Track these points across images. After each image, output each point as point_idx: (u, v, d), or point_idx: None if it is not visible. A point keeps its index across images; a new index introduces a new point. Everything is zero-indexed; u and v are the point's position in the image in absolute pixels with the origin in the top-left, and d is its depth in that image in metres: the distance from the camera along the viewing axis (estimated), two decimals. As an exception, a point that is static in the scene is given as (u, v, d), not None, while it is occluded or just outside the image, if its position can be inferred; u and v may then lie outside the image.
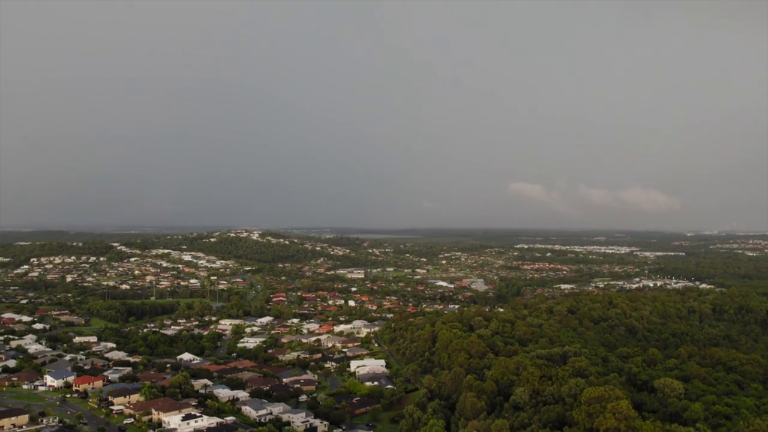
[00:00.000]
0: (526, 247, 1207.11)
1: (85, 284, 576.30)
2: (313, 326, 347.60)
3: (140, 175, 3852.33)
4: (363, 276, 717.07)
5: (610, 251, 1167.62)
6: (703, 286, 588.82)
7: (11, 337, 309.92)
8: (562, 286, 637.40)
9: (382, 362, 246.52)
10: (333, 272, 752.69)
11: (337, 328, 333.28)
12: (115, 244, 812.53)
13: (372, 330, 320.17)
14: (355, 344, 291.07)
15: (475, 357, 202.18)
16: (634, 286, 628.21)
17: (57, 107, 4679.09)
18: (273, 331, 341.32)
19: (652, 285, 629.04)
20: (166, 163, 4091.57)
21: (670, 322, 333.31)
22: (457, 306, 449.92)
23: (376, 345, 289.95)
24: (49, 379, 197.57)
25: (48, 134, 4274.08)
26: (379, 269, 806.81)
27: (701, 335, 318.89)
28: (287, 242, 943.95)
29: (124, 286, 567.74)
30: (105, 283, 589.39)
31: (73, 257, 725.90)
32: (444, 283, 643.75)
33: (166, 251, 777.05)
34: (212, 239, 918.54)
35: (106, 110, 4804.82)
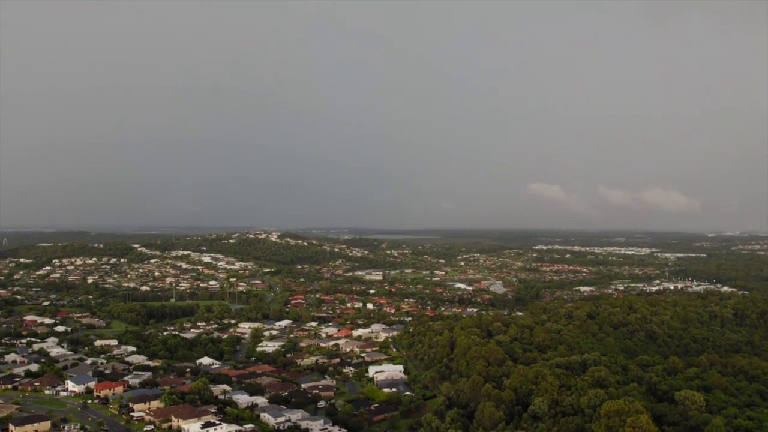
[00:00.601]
0: (545, 248, 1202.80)
1: (106, 285, 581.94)
2: (332, 330, 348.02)
3: (160, 178, 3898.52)
4: (381, 278, 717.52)
5: (630, 252, 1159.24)
6: (725, 289, 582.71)
7: (33, 340, 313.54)
8: (582, 289, 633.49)
9: (401, 368, 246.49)
10: (351, 274, 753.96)
11: (356, 332, 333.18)
12: (135, 246, 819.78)
13: (390, 334, 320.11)
14: (374, 349, 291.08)
15: (494, 364, 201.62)
16: (654, 288, 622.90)
17: (80, 114, 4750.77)
18: (292, 335, 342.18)
19: (672, 288, 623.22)
20: (185, 165, 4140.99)
21: (691, 328, 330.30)
22: (475, 310, 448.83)
23: (394, 350, 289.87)
24: (71, 385, 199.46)
25: (72, 140, 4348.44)
26: (397, 271, 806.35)
27: (723, 341, 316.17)
28: (306, 243, 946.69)
29: (144, 288, 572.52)
30: (125, 284, 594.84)
31: (94, 258, 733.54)
32: (462, 286, 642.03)
33: (185, 252, 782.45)
34: (231, 240, 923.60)
35: (127, 116, 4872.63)
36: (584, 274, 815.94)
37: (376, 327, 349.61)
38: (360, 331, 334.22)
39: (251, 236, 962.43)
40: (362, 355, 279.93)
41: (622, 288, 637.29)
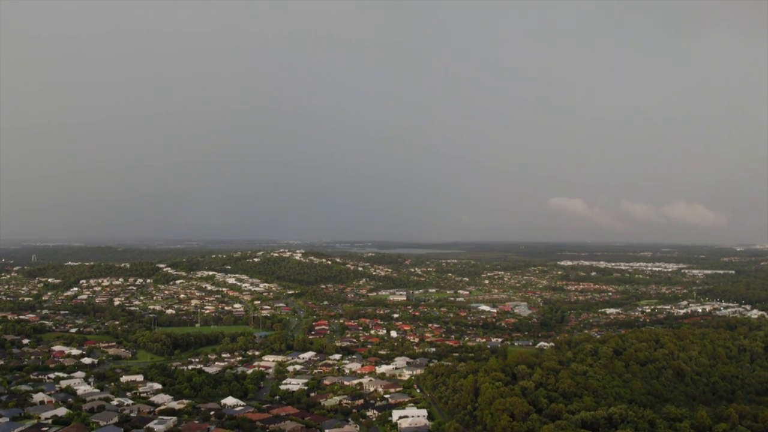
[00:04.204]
0: (570, 264, 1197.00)
1: (132, 308, 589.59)
2: (356, 365, 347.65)
3: (186, 195, 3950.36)
4: (405, 298, 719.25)
5: (657, 269, 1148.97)
6: (754, 312, 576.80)
7: (61, 375, 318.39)
8: (608, 311, 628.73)
9: (425, 412, 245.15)
10: (375, 294, 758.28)
11: (379, 369, 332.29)
12: (161, 266, 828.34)
13: (414, 372, 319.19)
14: (397, 389, 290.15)
15: (518, 419, 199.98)
16: (681, 311, 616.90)
17: (107, 141, 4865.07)
18: (315, 370, 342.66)
19: (700, 310, 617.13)
20: (210, 184, 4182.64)
21: (719, 364, 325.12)
22: (500, 340, 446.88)
23: (418, 390, 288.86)
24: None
25: (103, 162, 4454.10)
26: (421, 291, 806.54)
27: (753, 379, 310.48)
28: (329, 262, 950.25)
29: (169, 311, 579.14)
30: (151, 306, 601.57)
31: (120, 279, 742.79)
32: (487, 308, 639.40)
33: (210, 273, 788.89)
34: (256, 259, 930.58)
35: (154, 141, 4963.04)
36: (610, 293, 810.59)
37: (399, 362, 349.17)
38: (384, 368, 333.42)
39: (275, 255, 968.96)
40: (386, 396, 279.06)
41: (649, 310, 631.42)
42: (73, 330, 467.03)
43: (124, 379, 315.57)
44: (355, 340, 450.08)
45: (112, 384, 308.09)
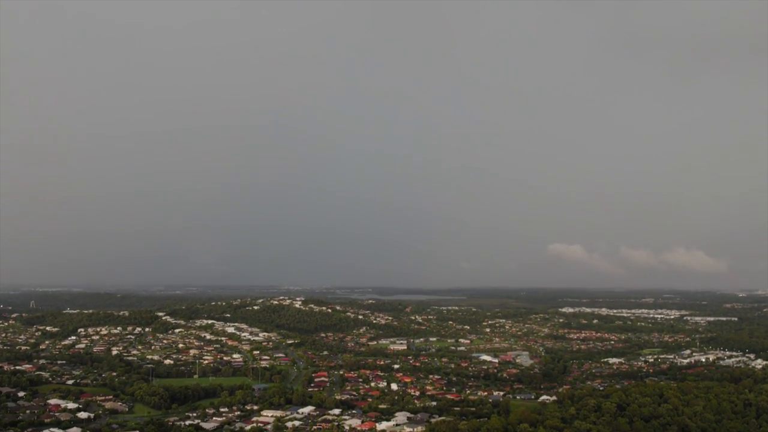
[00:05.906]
0: (571, 311, 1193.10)
1: (130, 358, 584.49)
2: (355, 421, 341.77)
3: (189, 239, 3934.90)
4: (406, 347, 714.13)
5: (659, 316, 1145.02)
6: (759, 362, 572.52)
7: (55, 431, 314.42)
8: (611, 361, 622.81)
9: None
10: (375, 342, 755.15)
11: (379, 426, 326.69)
12: (160, 314, 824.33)
13: (415, 429, 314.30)
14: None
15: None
16: (685, 361, 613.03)
17: (110, 163, 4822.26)
18: (314, 427, 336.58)
19: (704, 360, 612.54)
20: (214, 227, 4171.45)
21: (725, 420, 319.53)
22: (502, 393, 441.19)
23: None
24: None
25: (104, 191, 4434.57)
26: (421, 339, 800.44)
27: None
28: (329, 310, 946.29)
29: (167, 361, 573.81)
30: (149, 356, 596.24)
31: (119, 328, 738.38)
32: (488, 358, 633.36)
33: (209, 322, 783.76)
34: (255, 307, 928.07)
35: (157, 166, 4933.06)
36: (612, 342, 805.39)
37: (400, 417, 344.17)
38: (384, 425, 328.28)
39: (275, 302, 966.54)
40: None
41: (652, 360, 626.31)
42: (70, 381, 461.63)
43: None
44: (355, 393, 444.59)
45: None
